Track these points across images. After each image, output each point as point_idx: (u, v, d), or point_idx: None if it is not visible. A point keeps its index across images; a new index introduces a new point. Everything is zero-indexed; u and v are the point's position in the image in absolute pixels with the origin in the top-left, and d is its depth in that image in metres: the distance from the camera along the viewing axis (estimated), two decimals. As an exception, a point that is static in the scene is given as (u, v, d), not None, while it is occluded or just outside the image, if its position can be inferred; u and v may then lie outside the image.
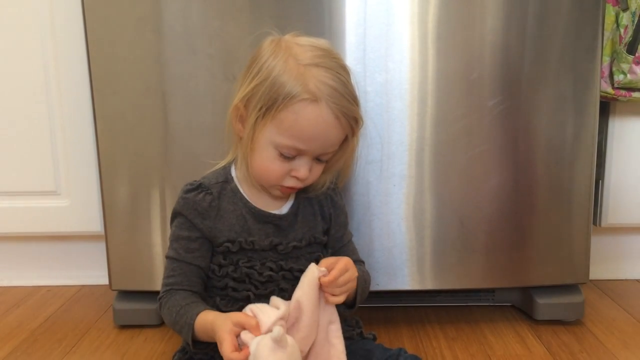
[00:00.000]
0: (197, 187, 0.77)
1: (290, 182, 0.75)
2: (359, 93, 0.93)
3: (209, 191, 0.76)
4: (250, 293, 0.75)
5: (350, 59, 0.94)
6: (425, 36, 0.94)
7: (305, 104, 0.70)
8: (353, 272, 0.73)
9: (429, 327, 1.06)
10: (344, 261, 0.72)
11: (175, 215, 0.78)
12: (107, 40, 0.95)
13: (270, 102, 0.71)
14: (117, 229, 1.01)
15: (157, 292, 0.78)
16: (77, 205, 1.20)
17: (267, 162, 0.73)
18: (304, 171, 0.74)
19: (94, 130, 0.98)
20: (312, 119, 0.71)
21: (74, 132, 1.17)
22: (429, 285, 1.02)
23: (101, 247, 1.06)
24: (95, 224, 1.19)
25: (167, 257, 0.78)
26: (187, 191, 0.76)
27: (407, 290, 1.02)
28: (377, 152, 0.97)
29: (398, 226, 0.99)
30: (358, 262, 0.87)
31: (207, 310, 0.71)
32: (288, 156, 0.73)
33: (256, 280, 0.76)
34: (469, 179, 0.98)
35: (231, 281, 0.76)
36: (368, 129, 0.96)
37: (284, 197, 0.79)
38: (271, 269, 0.76)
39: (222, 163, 0.81)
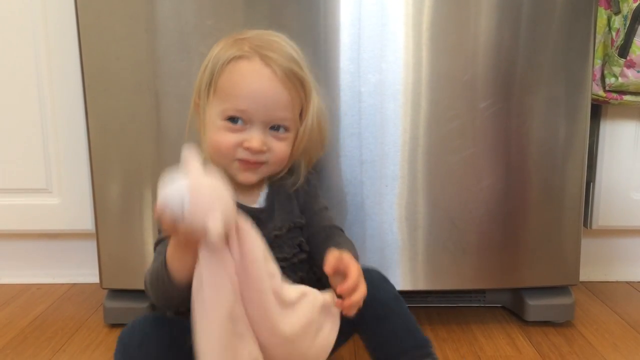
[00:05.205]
0: None
1: (243, 154, 0.72)
2: (353, 94, 0.95)
3: None
4: None
5: (344, 59, 0.94)
6: (419, 37, 0.94)
7: (237, 61, 0.71)
8: (363, 288, 0.67)
9: (420, 327, 1.06)
10: (354, 277, 0.65)
11: None
12: (99, 38, 0.95)
13: (211, 76, 0.72)
14: (108, 228, 1.00)
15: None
16: (69, 203, 1.19)
17: (216, 136, 0.72)
18: (255, 141, 0.71)
19: (86, 128, 0.98)
20: (246, 74, 0.70)
21: (65, 130, 1.17)
22: (420, 286, 1.02)
23: (92, 245, 1.06)
24: (86, 222, 1.19)
25: (155, 244, 0.74)
26: None
27: (399, 290, 1.02)
28: (370, 153, 0.97)
29: (390, 227, 0.99)
30: (335, 228, 0.83)
31: None
32: (235, 124, 0.71)
33: None
34: (461, 180, 0.98)
35: None
36: (361, 129, 0.96)
37: (250, 179, 0.74)
38: None
39: None
